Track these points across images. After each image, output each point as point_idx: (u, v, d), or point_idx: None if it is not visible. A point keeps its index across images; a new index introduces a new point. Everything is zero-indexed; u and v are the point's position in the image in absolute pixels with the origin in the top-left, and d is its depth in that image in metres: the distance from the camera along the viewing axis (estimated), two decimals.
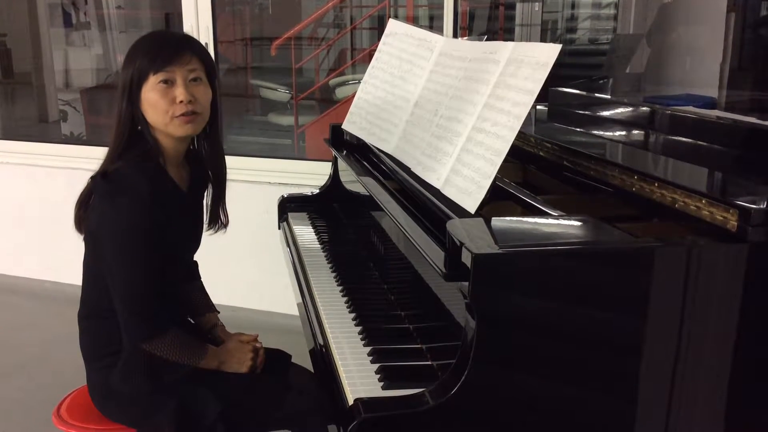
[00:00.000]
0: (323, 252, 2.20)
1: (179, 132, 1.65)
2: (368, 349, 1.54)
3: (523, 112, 1.39)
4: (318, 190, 2.59)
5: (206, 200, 1.87)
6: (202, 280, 2.01)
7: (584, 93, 2.48)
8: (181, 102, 1.61)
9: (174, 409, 1.62)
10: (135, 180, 1.60)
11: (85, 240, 1.71)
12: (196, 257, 1.93)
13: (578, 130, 2.09)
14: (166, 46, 1.64)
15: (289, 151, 5.65)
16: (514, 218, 1.37)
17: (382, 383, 1.39)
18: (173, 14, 5.18)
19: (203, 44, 1.74)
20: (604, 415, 1.25)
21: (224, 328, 1.93)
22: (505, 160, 1.40)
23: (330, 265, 2.08)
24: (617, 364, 1.23)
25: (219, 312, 1.98)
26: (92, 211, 1.67)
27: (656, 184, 1.39)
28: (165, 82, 1.61)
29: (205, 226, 1.87)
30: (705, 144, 1.76)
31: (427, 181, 1.59)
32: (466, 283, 1.15)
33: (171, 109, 1.62)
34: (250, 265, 3.66)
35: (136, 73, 1.62)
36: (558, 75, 1.49)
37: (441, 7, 3.35)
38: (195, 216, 1.82)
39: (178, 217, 1.67)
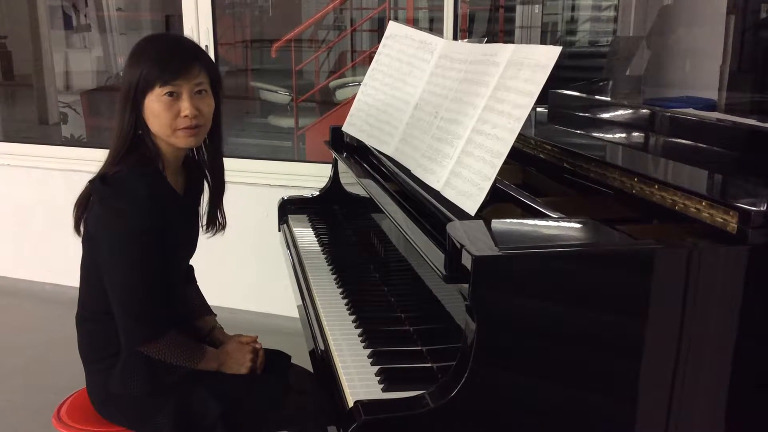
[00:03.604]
0: (323, 254, 2.20)
1: (182, 144, 1.66)
2: (368, 351, 1.54)
3: (523, 114, 1.39)
4: (318, 192, 2.59)
5: (202, 204, 1.87)
6: (197, 283, 2.01)
7: (584, 95, 2.48)
8: (185, 116, 1.61)
9: (174, 410, 1.62)
10: (134, 184, 1.60)
11: (83, 242, 1.71)
12: (194, 260, 1.93)
13: (578, 132, 2.09)
14: (174, 57, 1.62)
15: (289, 153, 5.66)
16: (514, 220, 1.37)
17: (381, 385, 1.39)
18: (174, 16, 5.18)
19: (204, 47, 1.74)
20: (605, 416, 1.25)
21: (222, 330, 1.93)
22: (505, 162, 1.40)
23: (330, 267, 2.08)
24: (617, 365, 1.23)
25: (216, 315, 1.98)
26: (91, 214, 1.67)
27: (656, 186, 1.39)
28: (170, 94, 1.61)
29: (201, 229, 1.87)
30: (705, 146, 1.76)
31: (427, 183, 1.59)
32: (466, 285, 1.15)
33: (175, 122, 1.62)
34: (250, 268, 3.66)
35: (142, 81, 1.60)
36: (558, 77, 1.49)
37: (441, 9, 3.35)
38: (191, 220, 1.82)
39: (175, 222, 1.67)
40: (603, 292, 1.20)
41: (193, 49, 1.68)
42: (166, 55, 1.63)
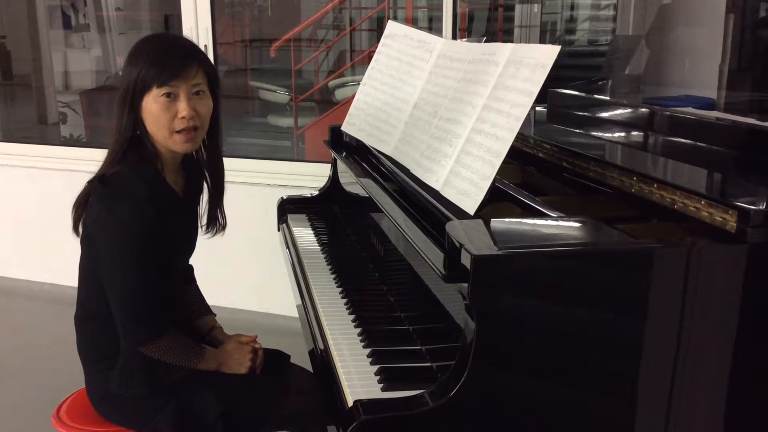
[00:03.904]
0: (323, 253, 2.20)
1: (179, 149, 1.66)
2: (368, 350, 1.54)
3: (522, 113, 1.39)
4: (317, 192, 2.59)
5: (201, 205, 1.87)
6: (197, 283, 2.01)
7: (583, 94, 2.48)
8: (183, 117, 1.61)
9: (173, 410, 1.62)
10: (133, 184, 1.60)
11: (82, 242, 1.71)
12: (194, 260, 1.93)
13: (577, 131, 2.09)
14: (172, 58, 1.62)
15: (288, 152, 5.65)
16: (514, 219, 1.37)
17: (381, 385, 1.39)
18: (173, 16, 5.18)
19: (203, 48, 1.74)
20: (604, 416, 1.25)
21: (222, 330, 1.93)
22: (504, 162, 1.40)
23: (329, 267, 2.08)
24: (617, 365, 1.23)
25: (216, 315, 1.98)
26: (89, 214, 1.67)
27: (655, 185, 1.39)
28: (168, 95, 1.61)
29: (200, 230, 1.87)
30: (704, 145, 1.76)
31: (427, 183, 1.59)
32: (466, 285, 1.15)
33: (172, 124, 1.62)
34: (250, 267, 3.66)
35: (140, 82, 1.60)
36: (557, 76, 1.49)
37: (440, 8, 3.35)
38: (190, 220, 1.82)
39: (174, 222, 1.67)
40: (602, 291, 1.20)
41: (190, 49, 1.68)
42: (163, 55, 1.63)
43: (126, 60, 1.66)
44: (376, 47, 2.18)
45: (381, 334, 1.62)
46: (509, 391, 1.20)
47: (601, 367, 1.23)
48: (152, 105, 1.61)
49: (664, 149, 1.86)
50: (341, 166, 2.44)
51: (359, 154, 2.18)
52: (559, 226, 1.33)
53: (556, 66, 1.38)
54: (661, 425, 1.26)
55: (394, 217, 1.60)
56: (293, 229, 2.42)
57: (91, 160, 1.78)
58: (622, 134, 2.03)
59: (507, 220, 1.33)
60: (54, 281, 4.07)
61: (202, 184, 1.86)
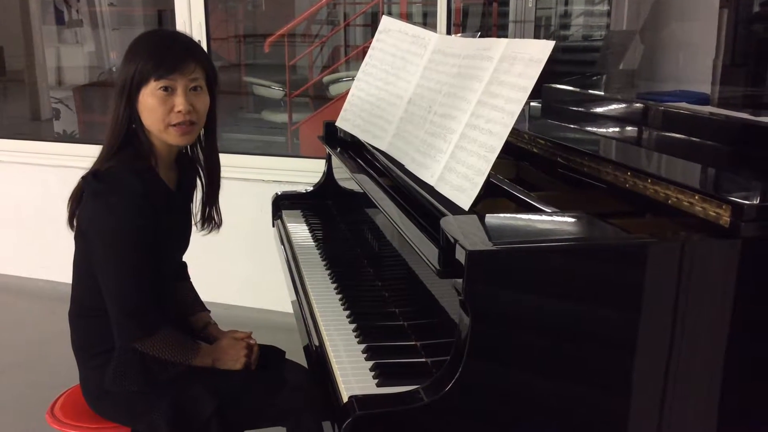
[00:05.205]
0: (317, 249, 2.19)
1: (173, 141, 1.65)
2: (362, 346, 1.54)
3: (517, 108, 1.39)
4: (312, 188, 2.59)
5: (195, 202, 1.87)
6: (191, 280, 2.01)
7: (578, 89, 2.48)
8: (179, 111, 1.61)
9: (168, 406, 1.62)
10: (127, 180, 1.60)
11: (76, 238, 1.70)
12: (187, 256, 1.93)
13: (572, 126, 2.09)
14: (170, 52, 1.62)
15: (282, 148, 5.65)
16: (508, 215, 1.37)
17: (376, 380, 1.39)
18: (166, 11, 5.16)
19: (197, 42, 1.73)
20: (599, 412, 1.25)
21: (217, 326, 1.93)
22: (499, 157, 1.40)
23: (324, 263, 2.08)
24: (611, 360, 1.23)
25: (210, 311, 1.98)
26: (83, 210, 1.66)
27: (649, 180, 1.39)
28: (165, 89, 1.61)
29: (194, 227, 1.87)
30: (698, 140, 1.77)
31: (421, 178, 1.59)
32: (460, 280, 1.15)
33: (168, 117, 1.61)
34: (245, 263, 3.65)
35: (137, 76, 1.60)
36: (552, 71, 1.49)
37: (434, 3, 3.35)
38: (184, 217, 1.82)
39: (168, 218, 1.67)
40: (597, 286, 1.20)
41: (190, 45, 1.68)
42: (162, 50, 1.63)
43: (125, 54, 1.66)
44: (371, 43, 2.18)
45: (376, 329, 1.62)
46: (504, 387, 1.20)
47: (596, 362, 1.23)
48: (149, 98, 1.61)
49: (658, 144, 1.86)
50: (336, 161, 2.44)
51: (354, 150, 2.18)
52: (554, 222, 1.33)
53: (551, 61, 1.38)
54: (656, 422, 1.26)
55: (389, 213, 1.60)
56: (288, 224, 2.42)
57: (84, 156, 1.77)
58: (617, 129, 2.03)
59: (501, 215, 1.33)
60: (48, 277, 4.06)
61: (196, 181, 1.85)
